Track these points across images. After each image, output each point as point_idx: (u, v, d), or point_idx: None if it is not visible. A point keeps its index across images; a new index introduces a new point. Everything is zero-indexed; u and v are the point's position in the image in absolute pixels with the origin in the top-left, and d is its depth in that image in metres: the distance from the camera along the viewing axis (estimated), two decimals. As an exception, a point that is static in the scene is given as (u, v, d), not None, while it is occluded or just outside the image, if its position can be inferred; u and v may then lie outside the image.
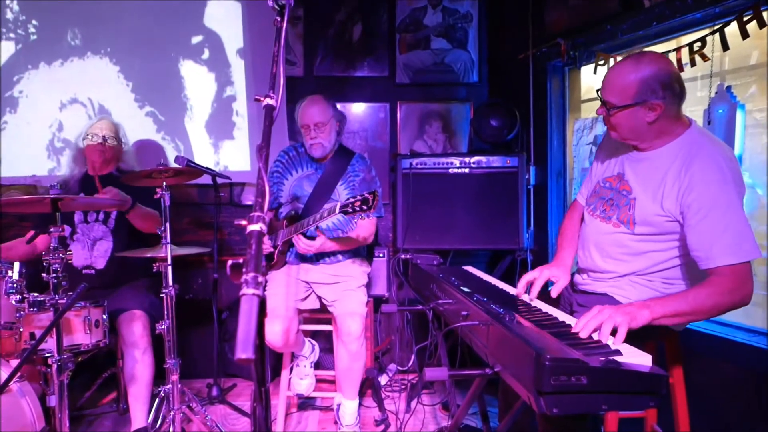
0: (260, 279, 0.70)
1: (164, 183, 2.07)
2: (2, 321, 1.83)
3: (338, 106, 3.28)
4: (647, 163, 1.56)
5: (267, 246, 2.41)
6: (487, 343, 1.43)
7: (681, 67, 1.97)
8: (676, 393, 1.69)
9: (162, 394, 2.24)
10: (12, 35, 3.16)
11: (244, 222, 0.75)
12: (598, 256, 1.65)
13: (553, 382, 1.09)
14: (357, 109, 3.38)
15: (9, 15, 3.14)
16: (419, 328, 3.11)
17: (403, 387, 3.04)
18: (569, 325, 1.40)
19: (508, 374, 1.29)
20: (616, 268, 1.60)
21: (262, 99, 0.94)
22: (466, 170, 2.83)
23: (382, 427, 2.54)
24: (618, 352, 1.21)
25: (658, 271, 1.53)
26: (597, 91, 1.58)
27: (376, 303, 3.04)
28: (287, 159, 2.60)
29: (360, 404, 2.86)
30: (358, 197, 1.88)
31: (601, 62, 2.37)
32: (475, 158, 2.84)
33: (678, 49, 2.03)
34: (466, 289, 1.76)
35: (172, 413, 2.12)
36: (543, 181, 2.88)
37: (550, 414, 1.11)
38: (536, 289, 1.65)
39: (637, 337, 1.32)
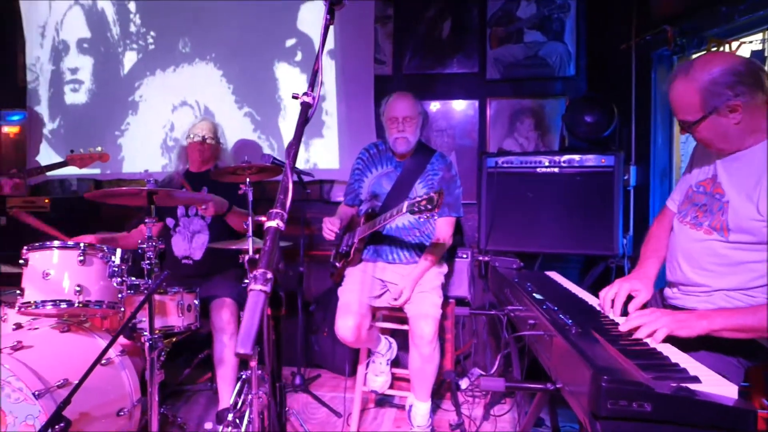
0: (269, 275, 0.70)
1: (248, 179, 2.18)
2: (107, 301, 2.03)
3: (426, 103, 3.28)
4: (741, 162, 1.37)
5: (332, 235, 2.45)
6: (550, 355, 1.33)
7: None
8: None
9: (244, 377, 2.36)
10: (134, 46, 3.53)
11: (263, 218, 0.75)
12: (687, 268, 1.46)
13: (611, 406, 0.98)
14: (445, 107, 3.33)
15: (132, 28, 3.51)
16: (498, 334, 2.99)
17: (484, 393, 2.94)
18: (645, 344, 1.26)
19: (567, 392, 1.19)
20: (708, 282, 1.40)
21: (299, 96, 0.94)
22: (556, 170, 2.66)
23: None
24: (696, 379, 1.06)
25: (760, 286, 1.32)
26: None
27: (460, 305, 2.97)
28: (368, 156, 2.62)
29: (437, 406, 2.82)
30: (424, 196, 1.85)
31: (714, 49, 2.10)
32: (566, 157, 2.66)
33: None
34: (538, 296, 1.65)
35: (250, 397, 2.22)
36: (644, 182, 2.63)
37: (608, 440, 1.00)
38: (619, 305, 1.51)
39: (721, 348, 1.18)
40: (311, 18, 3.29)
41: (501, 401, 2.82)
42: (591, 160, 2.62)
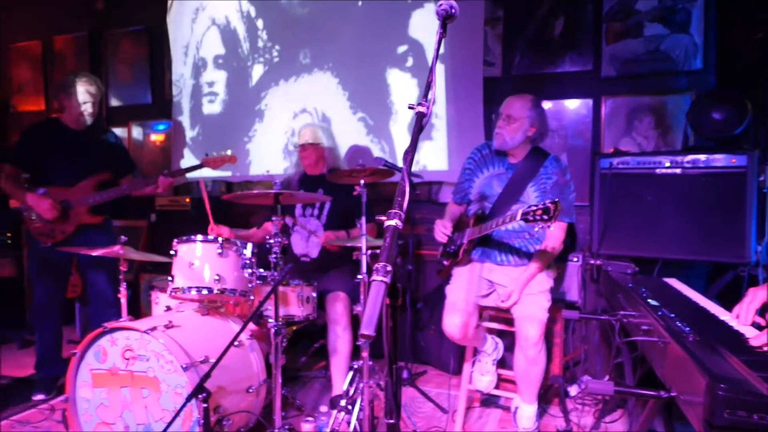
0: (389, 268, 0.80)
1: (362, 181, 2.33)
2: (239, 290, 2.29)
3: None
4: None
5: (444, 237, 2.51)
6: (664, 363, 1.30)
7: None
8: None
9: (355, 367, 2.53)
10: (261, 59, 3.88)
11: (383, 217, 0.85)
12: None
13: (728, 416, 0.96)
14: (556, 107, 3.26)
15: (260, 43, 3.87)
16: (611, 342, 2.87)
17: (595, 401, 2.84)
18: (774, 356, 1.18)
19: (682, 401, 1.16)
20: None
21: (414, 107, 1.03)
22: (678, 170, 2.50)
23: (564, 438, 2.45)
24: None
25: None
26: None
27: (570, 309, 2.90)
28: (480, 156, 2.64)
29: (545, 411, 2.78)
30: (540, 206, 1.84)
31: None
32: (690, 157, 2.49)
33: None
34: (653, 303, 1.60)
35: (361, 386, 2.37)
36: (784, 184, 2.39)
37: (724, 451, 0.98)
38: (748, 314, 1.39)
39: None
40: (422, 24, 3.40)
41: (612, 411, 2.72)
42: (719, 160, 2.43)
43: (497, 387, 2.69)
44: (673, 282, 1.99)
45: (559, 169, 2.41)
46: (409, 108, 1.07)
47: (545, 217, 1.83)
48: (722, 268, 2.55)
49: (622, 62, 3.10)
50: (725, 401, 0.95)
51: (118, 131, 4.40)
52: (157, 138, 4.40)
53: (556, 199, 1.88)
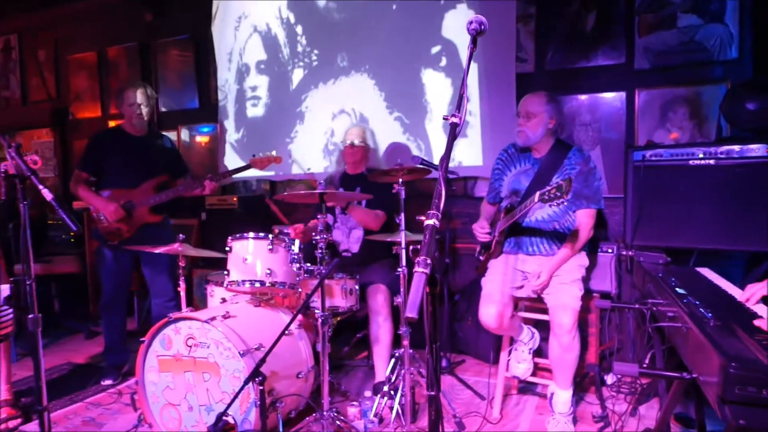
0: (429, 261, 0.94)
1: (400, 180, 2.47)
2: (288, 282, 2.47)
3: (570, 98, 3.29)
4: None
5: (486, 236, 2.63)
6: (686, 347, 1.39)
7: None
8: None
9: (397, 355, 2.68)
10: (301, 63, 4.06)
11: (422, 217, 0.99)
12: None
13: (739, 391, 1.06)
14: (589, 100, 3.31)
15: (299, 48, 4.04)
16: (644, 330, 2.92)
17: (632, 390, 2.90)
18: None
19: (701, 382, 1.25)
20: None
21: (448, 118, 1.16)
22: (711, 161, 2.53)
23: (601, 425, 2.53)
24: None
25: None
26: None
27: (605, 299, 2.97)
28: (506, 156, 2.76)
29: (581, 399, 2.87)
30: (553, 184, 1.95)
31: None
32: (725, 148, 2.51)
33: None
34: (680, 291, 1.68)
35: (403, 372, 2.52)
36: (823, 173, 2.39)
37: (737, 425, 1.07)
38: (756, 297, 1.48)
39: None
40: (454, 25, 3.50)
41: (648, 399, 2.78)
42: (755, 150, 2.45)
43: (534, 375, 2.80)
44: (705, 271, 2.04)
45: (582, 159, 2.50)
46: (444, 119, 1.19)
47: (558, 193, 1.96)
48: (759, 257, 2.57)
49: (655, 54, 3.11)
50: (736, 378, 1.05)
51: (170, 135, 4.69)
52: (203, 140, 4.65)
53: (569, 177, 1.99)
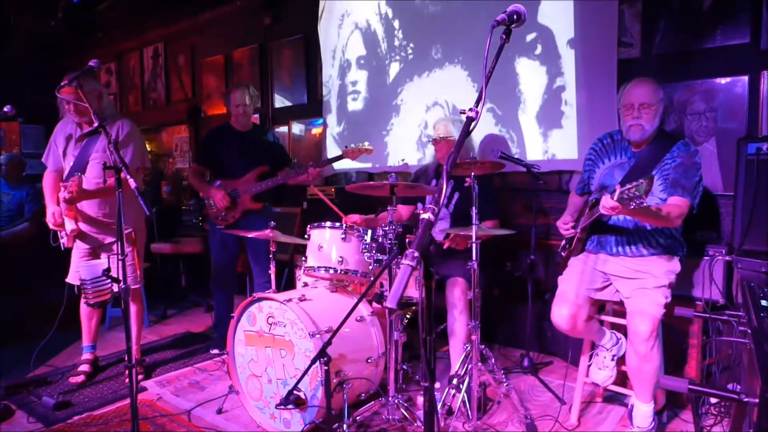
0: (416, 254, 0.95)
1: (472, 173, 2.44)
2: (360, 271, 2.58)
3: (681, 85, 2.98)
4: None
5: (570, 231, 2.50)
6: (748, 364, 1.24)
7: None
8: None
9: (468, 349, 2.66)
10: (397, 57, 4.13)
11: (419, 210, 1.01)
12: None
13: (775, 419, 0.93)
14: (703, 86, 2.95)
15: (396, 42, 4.12)
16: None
17: (729, 409, 2.58)
18: None
19: (749, 404, 1.11)
20: None
21: (465, 111, 1.15)
22: None
23: (689, 445, 2.30)
24: None
25: None
26: None
27: (714, 310, 2.66)
28: (601, 147, 2.58)
29: (675, 414, 2.63)
30: (635, 183, 1.77)
31: None
32: None
33: None
34: (765, 303, 1.48)
35: (470, 367, 2.51)
36: None
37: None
38: None
39: None
40: (551, 11, 3.32)
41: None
42: None
43: (623, 385, 2.60)
44: (818, 283, 1.76)
45: (687, 153, 2.26)
46: (461, 113, 1.19)
47: (637, 193, 1.75)
48: None
49: (788, 31, 2.69)
50: (772, 404, 0.93)
51: (282, 129, 5.07)
52: (313, 133, 4.94)
53: (650, 176, 1.78)
